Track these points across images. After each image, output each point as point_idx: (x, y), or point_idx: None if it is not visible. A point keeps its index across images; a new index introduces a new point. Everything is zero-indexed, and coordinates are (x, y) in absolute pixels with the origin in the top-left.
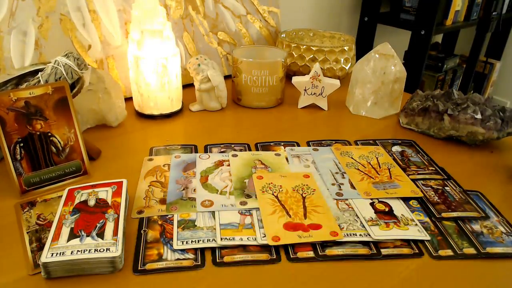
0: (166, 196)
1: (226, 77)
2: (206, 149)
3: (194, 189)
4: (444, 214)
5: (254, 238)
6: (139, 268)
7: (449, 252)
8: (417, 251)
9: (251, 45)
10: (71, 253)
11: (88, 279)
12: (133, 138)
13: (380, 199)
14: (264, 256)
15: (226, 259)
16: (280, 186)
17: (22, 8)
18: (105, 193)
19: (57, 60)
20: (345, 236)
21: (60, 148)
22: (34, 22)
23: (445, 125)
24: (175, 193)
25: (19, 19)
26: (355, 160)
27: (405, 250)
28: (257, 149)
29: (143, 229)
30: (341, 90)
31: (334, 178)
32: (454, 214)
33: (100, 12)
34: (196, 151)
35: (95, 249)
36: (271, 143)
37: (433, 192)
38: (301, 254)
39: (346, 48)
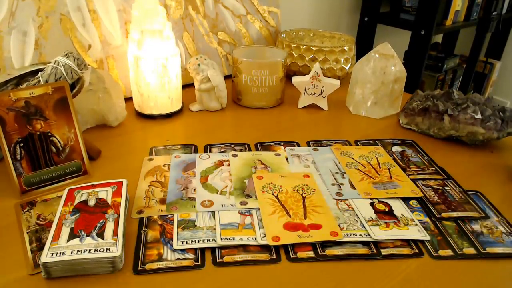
0: (166, 196)
1: (226, 77)
2: (206, 149)
3: (194, 189)
4: (444, 214)
5: (254, 238)
6: (139, 268)
7: (449, 252)
8: (417, 251)
9: (251, 45)
10: (71, 253)
11: (88, 279)
12: (133, 138)
13: (380, 199)
14: (264, 256)
15: (226, 259)
16: (280, 186)
17: (22, 8)
18: (105, 193)
19: (57, 60)
20: (345, 236)
21: (60, 148)
22: (34, 22)
23: (445, 125)
24: (175, 193)
25: (19, 19)
26: (355, 160)
27: (405, 250)
28: (257, 149)
29: (143, 229)
30: (341, 90)
31: (334, 178)
32: (454, 214)
33: (100, 12)
34: (196, 151)
35: (95, 249)
36: (271, 143)
37: (433, 192)
38: (301, 254)
39: (346, 48)
